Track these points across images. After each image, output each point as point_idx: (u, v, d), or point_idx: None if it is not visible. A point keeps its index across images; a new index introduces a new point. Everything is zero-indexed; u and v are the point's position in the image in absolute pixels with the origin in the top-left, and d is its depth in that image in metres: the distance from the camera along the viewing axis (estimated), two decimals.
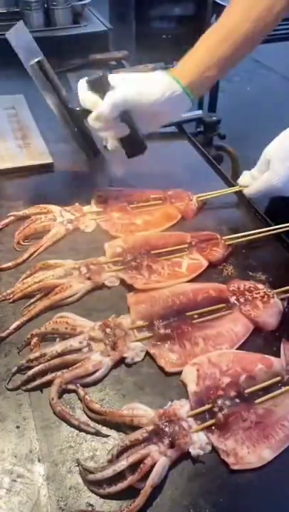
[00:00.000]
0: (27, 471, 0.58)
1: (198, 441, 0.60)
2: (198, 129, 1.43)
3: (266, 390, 0.66)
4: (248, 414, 0.63)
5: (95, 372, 0.67)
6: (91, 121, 0.87)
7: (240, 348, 0.73)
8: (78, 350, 0.69)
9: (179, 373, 0.68)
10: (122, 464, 0.56)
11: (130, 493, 0.56)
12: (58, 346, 0.69)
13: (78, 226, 0.93)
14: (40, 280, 0.80)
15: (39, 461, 0.59)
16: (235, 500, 0.57)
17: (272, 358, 0.70)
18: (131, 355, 0.70)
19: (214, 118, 1.41)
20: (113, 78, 0.85)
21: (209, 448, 0.60)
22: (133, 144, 0.91)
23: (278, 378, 0.68)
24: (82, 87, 0.87)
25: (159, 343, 0.71)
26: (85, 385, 0.66)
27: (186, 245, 0.89)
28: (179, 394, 0.67)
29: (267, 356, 0.71)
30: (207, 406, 0.63)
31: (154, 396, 0.66)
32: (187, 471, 0.59)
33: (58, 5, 1.68)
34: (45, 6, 1.69)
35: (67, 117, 0.96)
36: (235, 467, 0.59)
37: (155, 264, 0.84)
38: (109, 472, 0.56)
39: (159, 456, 0.57)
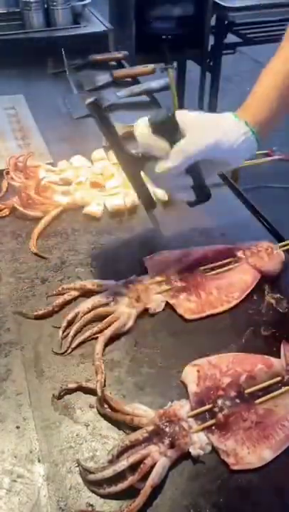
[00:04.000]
0: (27, 472, 0.58)
1: (199, 442, 0.60)
2: None
3: (266, 390, 0.66)
4: (248, 415, 0.63)
5: (124, 324, 0.74)
6: (159, 171, 0.74)
7: (241, 349, 0.73)
8: (106, 304, 0.77)
9: (197, 320, 0.76)
10: (123, 464, 0.56)
11: (130, 493, 0.56)
12: (88, 302, 0.76)
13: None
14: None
15: (39, 461, 0.59)
16: (235, 500, 0.57)
17: (272, 359, 0.70)
18: (153, 306, 0.77)
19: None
20: (181, 121, 0.72)
21: (209, 448, 0.60)
22: (198, 194, 0.80)
23: (278, 378, 0.67)
24: (143, 128, 0.73)
25: (177, 294, 0.79)
26: (117, 336, 0.74)
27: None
28: (179, 394, 0.67)
29: (267, 357, 0.71)
30: (207, 406, 0.63)
31: (154, 396, 0.66)
32: (187, 471, 0.59)
33: (57, 5, 1.68)
34: (45, 6, 1.69)
35: (124, 162, 0.79)
36: (236, 467, 0.58)
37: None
38: (109, 472, 0.56)
39: (159, 457, 0.57)
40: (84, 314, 0.75)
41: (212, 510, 0.56)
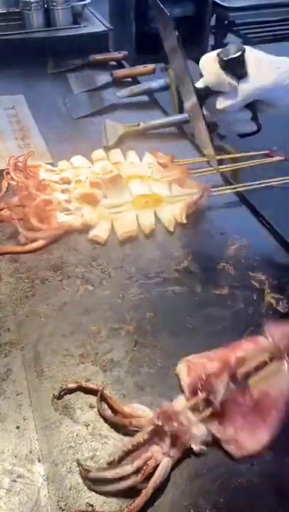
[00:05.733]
0: (27, 472, 0.58)
1: (199, 435, 0.59)
2: None
3: (258, 370, 0.65)
4: (243, 399, 0.62)
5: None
6: (220, 108, 0.77)
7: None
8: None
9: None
10: (127, 468, 0.56)
11: (130, 492, 0.56)
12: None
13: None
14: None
15: (39, 461, 0.59)
16: (235, 500, 0.57)
17: (259, 338, 0.70)
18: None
19: (214, 118, 1.41)
20: (248, 60, 0.75)
21: (210, 439, 0.60)
22: (251, 126, 0.81)
23: (269, 354, 0.66)
24: (212, 62, 0.75)
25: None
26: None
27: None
28: (179, 394, 0.66)
29: (252, 338, 0.71)
30: (202, 395, 0.62)
31: (154, 396, 0.66)
32: (187, 471, 0.59)
33: (57, 5, 1.68)
34: (45, 6, 1.69)
35: (186, 94, 0.82)
36: (238, 455, 0.59)
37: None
38: (112, 474, 0.56)
39: (162, 457, 0.57)
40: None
41: (212, 510, 0.56)
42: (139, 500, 0.54)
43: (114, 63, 1.64)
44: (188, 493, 0.57)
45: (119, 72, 1.52)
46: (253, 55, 0.76)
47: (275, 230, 0.95)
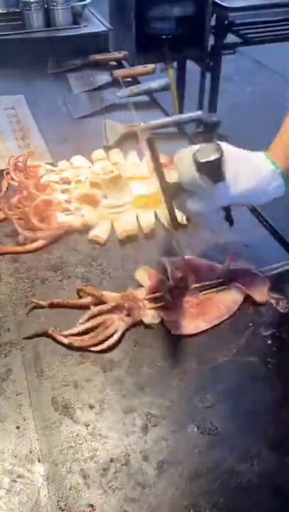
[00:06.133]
0: (27, 472, 0.58)
1: (150, 315, 0.77)
2: (198, 130, 1.43)
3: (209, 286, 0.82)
4: (191, 299, 0.80)
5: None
6: (193, 209, 0.74)
7: (241, 350, 0.73)
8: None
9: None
10: (90, 323, 0.74)
11: (130, 491, 0.56)
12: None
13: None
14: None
15: (39, 461, 0.59)
16: (235, 500, 0.57)
17: (217, 264, 0.85)
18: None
19: (214, 118, 1.41)
20: (226, 163, 0.69)
21: (159, 320, 0.76)
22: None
23: (220, 280, 0.82)
24: (187, 163, 0.70)
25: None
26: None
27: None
28: (180, 394, 0.67)
29: (212, 262, 0.86)
30: (159, 293, 0.79)
31: (155, 396, 0.66)
32: (187, 471, 0.59)
33: (57, 5, 1.68)
34: (45, 6, 1.69)
35: (162, 188, 0.77)
36: (175, 332, 0.75)
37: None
38: (78, 328, 0.74)
39: (118, 322, 0.75)
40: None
41: (212, 510, 0.56)
42: (93, 341, 0.72)
43: (114, 63, 1.64)
44: (188, 493, 0.57)
45: (119, 72, 1.52)
46: (232, 158, 0.70)
47: (275, 230, 0.95)
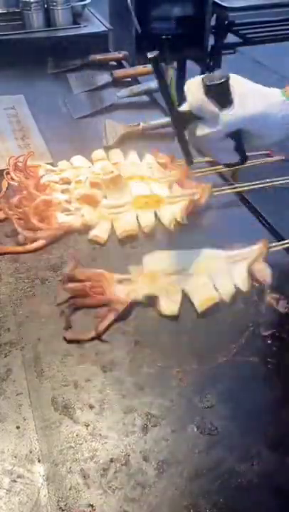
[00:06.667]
0: (27, 472, 0.58)
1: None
2: None
3: None
4: None
5: None
6: (199, 135, 0.74)
7: (241, 349, 0.73)
8: None
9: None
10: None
11: (130, 491, 0.56)
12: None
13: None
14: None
15: (39, 461, 0.59)
16: (235, 500, 0.57)
17: None
18: None
19: None
20: (233, 86, 0.71)
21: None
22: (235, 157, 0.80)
23: None
24: (196, 88, 0.72)
25: None
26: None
27: None
28: (180, 394, 0.67)
29: None
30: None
31: (154, 396, 0.66)
32: (187, 471, 0.59)
33: (57, 5, 1.68)
34: (45, 6, 1.69)
35: (173, 118, 0.78)
36: None
37: None
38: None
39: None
40: None
41: (212, 510, 0.56)
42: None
43: (114, 63, 1.64)
44: (188, 493, 0.57)
45: (119, 72, 1.52)
46: (240, 84, 0.72)
47: (275, 230, 0.95)
